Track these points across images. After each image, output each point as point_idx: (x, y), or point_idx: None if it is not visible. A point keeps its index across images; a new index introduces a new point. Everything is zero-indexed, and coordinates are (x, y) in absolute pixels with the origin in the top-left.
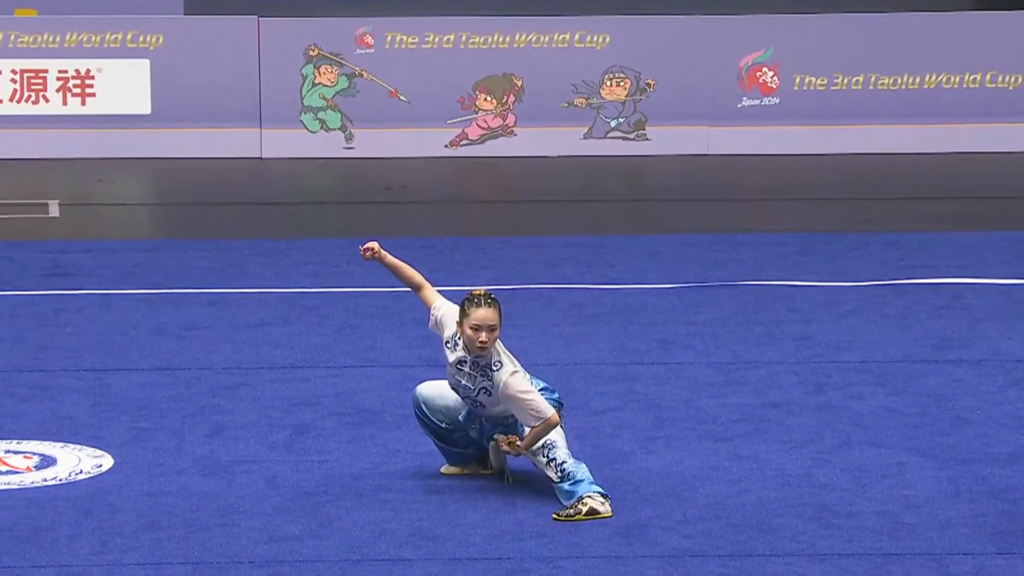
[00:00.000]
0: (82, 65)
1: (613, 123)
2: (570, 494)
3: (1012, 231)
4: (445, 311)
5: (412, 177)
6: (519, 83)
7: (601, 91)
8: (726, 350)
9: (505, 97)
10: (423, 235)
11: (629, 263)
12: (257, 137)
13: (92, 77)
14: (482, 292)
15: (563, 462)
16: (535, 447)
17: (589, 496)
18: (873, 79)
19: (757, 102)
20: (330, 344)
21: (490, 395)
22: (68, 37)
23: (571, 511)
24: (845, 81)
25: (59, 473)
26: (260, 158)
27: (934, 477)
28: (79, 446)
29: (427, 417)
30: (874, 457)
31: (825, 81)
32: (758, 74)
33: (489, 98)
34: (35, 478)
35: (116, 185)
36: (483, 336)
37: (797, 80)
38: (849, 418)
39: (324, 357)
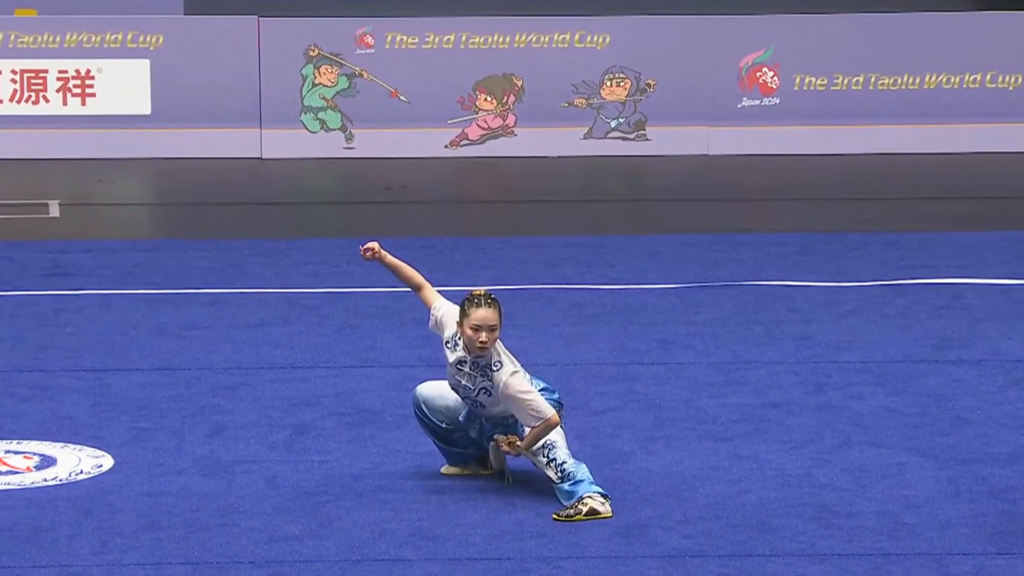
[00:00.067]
0: (82, 65)
1: (613, 123)
2: (570, 494)
3: (1012, 231)
4: (445, 311)
5: (412, 177)
6: (519, 83)
7: (601, 91)
8: (726, 350)
9: (505, 97)
10: (423, 235)
11: (629, 263)
12: (257, 137)
13: (92, 77)
14: (482, 292)
15: (563, 462)
16: (535, 447)
17: (589, 496)
18: (873, 79)
19: (757, 102)
20: (330, 344)
21: (490, 395)
22: (68, 37)
23: (571, 511)
24: (845, 81)
25: (59, 473)
26: (260, 158)
27: (934, 477)
28: (79, 446)
29: (427, 417)
30: (874, 457)
31: (825, 81)
32: (758, 74)
33: (489, 98)
34: (35, 478)
35: (116, 185)
36: (483, 336)
37: (797, 80)
38: (849, 418)
39: (324, 357)
